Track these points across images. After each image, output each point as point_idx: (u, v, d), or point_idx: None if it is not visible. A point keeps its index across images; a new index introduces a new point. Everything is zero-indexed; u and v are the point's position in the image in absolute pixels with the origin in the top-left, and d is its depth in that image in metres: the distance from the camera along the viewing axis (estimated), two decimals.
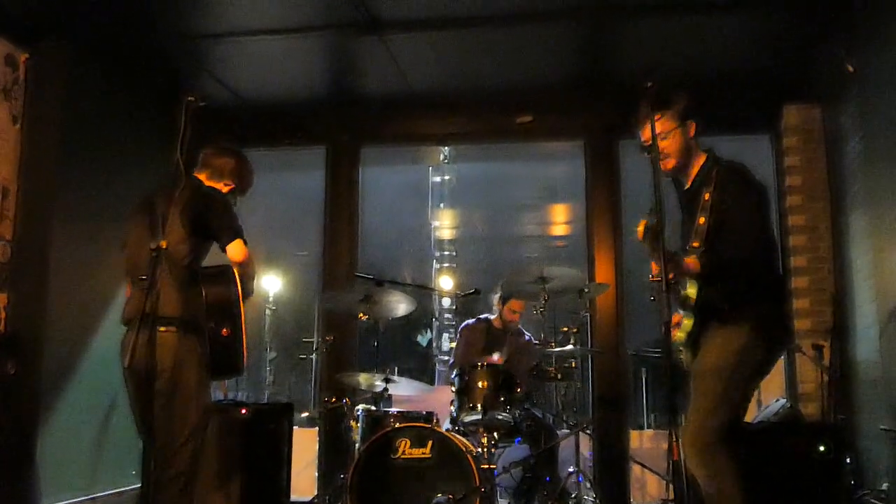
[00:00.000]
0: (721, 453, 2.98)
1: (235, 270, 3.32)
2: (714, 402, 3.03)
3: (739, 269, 3.07)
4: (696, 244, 3.11)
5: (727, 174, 3.13)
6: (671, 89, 3.28)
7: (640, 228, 2.95)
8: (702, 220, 3.12)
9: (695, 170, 3.28)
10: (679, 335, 3.19)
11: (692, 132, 3.26)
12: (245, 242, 3.30)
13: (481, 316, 5.86)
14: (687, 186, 3.32)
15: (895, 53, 4.24)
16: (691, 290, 3.12)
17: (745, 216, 3.05)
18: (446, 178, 8.83)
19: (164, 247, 2.63)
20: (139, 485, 3.45)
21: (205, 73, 5.78)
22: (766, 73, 5.70)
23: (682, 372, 3.20)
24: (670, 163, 3.27)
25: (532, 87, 6.03)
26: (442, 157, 8.16)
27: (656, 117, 3.20)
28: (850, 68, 4.74)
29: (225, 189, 3.54)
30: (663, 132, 3.23)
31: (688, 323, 3.18)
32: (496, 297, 5.71)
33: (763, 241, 3.14)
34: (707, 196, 3.11)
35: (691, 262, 3.07)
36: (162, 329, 3.00)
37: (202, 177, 3.54)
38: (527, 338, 5.72)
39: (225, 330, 3.19)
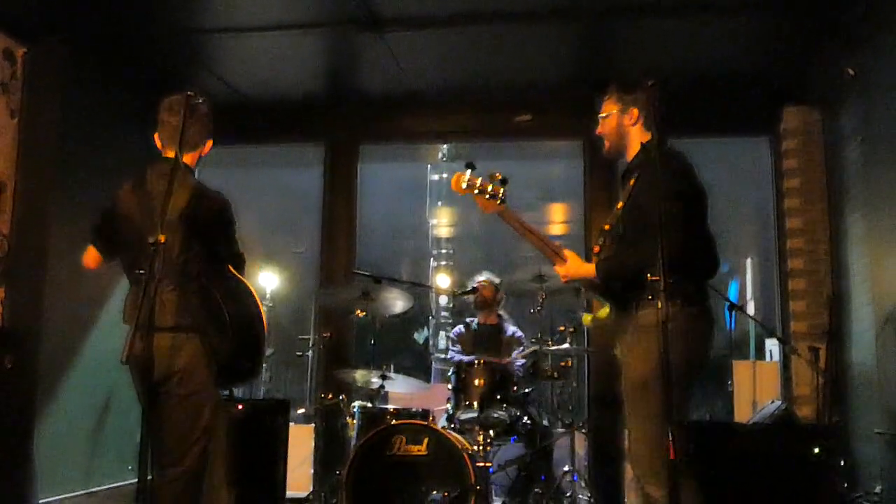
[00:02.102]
0: (680, 468, 2.81)
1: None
2: (649, 416, 2.85)
3: (638, 265, 2.82)
4: (607, 227, 3.13)
5: (655, 161, 2.88)
6: (640, 78, 3.12)
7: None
8: (620, 204, 3.13)
9: (632, 155, 3.21)
10: (586, 318, 3.18)
11: (633, 119, 3.16)
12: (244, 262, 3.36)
13: (466, 320, 5.92)
14: (624, 171, 3.27)
15: None
16: (586, 318, 3.11)
17: (653, 205, 2.65)
18: (444, 176, 8.83)
19: (162, 241, 2.61)
20: (136, 480, 3.44)
21: (203, 69, 5.77)
22: (765, 75, 5.71)
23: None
24: (605, 144, 3.26)
25: (531, 86, 6.04)
26: (440, 155, 8.14)
27: (605, 98, 3.23)
28: (851, 72, 4.74)
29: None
30: (604, 113, 3.23)
31: (601, 312, 3.19)
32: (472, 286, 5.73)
33: (680, 239, 2.73)
34: (632, 182, 3.11)
35: (589, 270, 3.08)
36: (167, 332, 3.00)
37: (189, 160, 3.37)
38: (510, 332, 5.72)
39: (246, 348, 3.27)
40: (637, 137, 3.19)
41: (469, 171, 3.23)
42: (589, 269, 3.11)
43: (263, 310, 3.40)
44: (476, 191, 3.20)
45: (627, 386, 3.00)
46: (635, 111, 3.17)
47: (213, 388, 3.22)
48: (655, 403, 2.77)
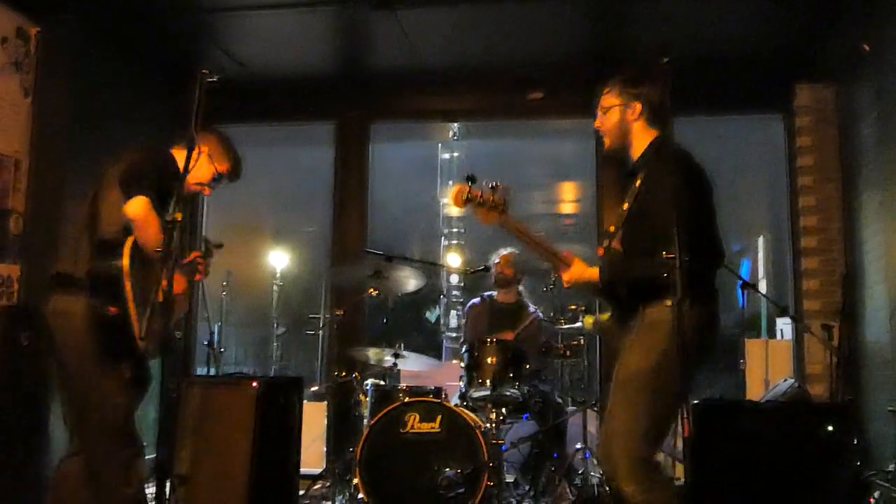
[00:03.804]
0: (656, 466, 2.84)
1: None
2: (642, 409, 2.81)
3: (646, 270, 2.79)
4: (611, 228, 3.06)
5: (663, 160, 2.85)
6: (642, 69, 3.09)
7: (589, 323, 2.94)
8: (625, 205, 3.04)
9: (638, 153, 3.12)
10: (588, 321, 3.16)
11: (635, 114, 3.07)
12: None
13: (485, 294, 5.86)
14: (630, 170, 3.17)
15: None
16: (588, 321, 3.09)
17: (665, 207, 2.58)
18: (455, 154, 8.82)
19: (179, 219, 2.62)
20: (154, 454, 3.47)
21: (214, 46, 5.76)
22: (778, 52, 5.66)
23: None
24: (607, 142, 3.17)
25: (543, 64, 6.01)
26: (451, 133, 8.13)
27: (604, 90, 3.16)
28: (865, 48, 4.70)
29: None
30: (605, 107, 3.14)
31: (603, 316, 3.14)
32: (493, 263, 5.68)
33: (691, 240, 2.58)
34: (638, 182, 3.01)
35: (593, 274, 3.03)
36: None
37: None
38: (531, 310, 5.71)
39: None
40: (641, 134, 3.09)
41: (469, 184, 3.13)
42: (593, 274, 3.05)
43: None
44: (476, 204, 3.12)
45: (618, 380, 2.94)
46: (638, 106, 3.06)
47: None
48: (643, 402, 2.79)
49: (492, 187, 3.12)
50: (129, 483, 3.13)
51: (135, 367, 3.17)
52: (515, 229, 3.18)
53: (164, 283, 2.65)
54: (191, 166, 2.85)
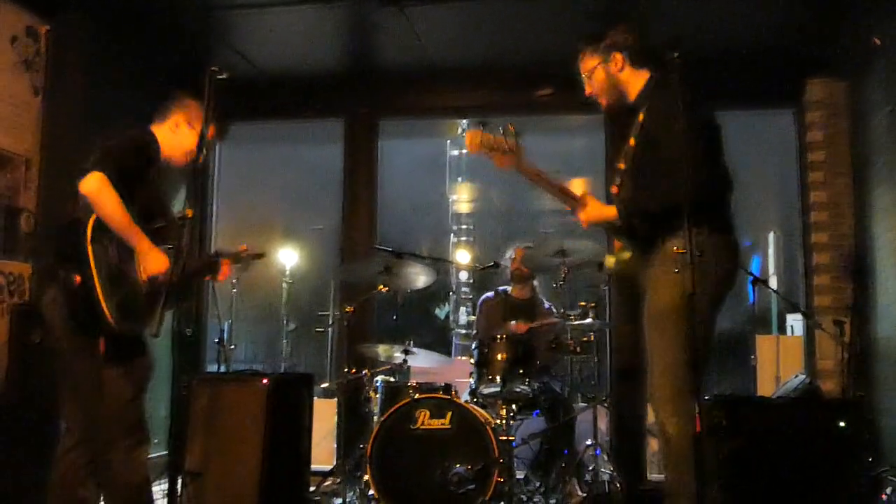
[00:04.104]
0: (691, 396, 2.79)
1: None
2: (677, 342, 2.82)
3: (663, 200, 2.83)
4: (621, 165, 3.07)
5: (666, 93, 2.86)
6: (603, 25, 3.16)
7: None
8: (632, 140, 3.05)
9: (635, 92, 3.13)
10: (609, 261, 3.17)
11: (619, 64, 3.11)
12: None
13: (499, 289, 5.86)
14: (630, 107, 3.18)
15: None
16: (609, 260, 3.10)
17: (675, 138, 2.65)
18: (464, 151, 8.80)
19: (189, 216, 2.63)
20: (165, 451, 3.49)
21: (223, 44, 5.76)
22: (789, 47, 5.62)
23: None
24: (602, 101, 3.19)
25: (553, 60, 5.96)
26: (460, 130, 8.10)
27: (580, 56, 3.16)
28: (877, 41, 4.67)
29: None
30: (587, 71, 3.16)
31: (624, 255, 3.14)
32: (508, 259, 5.68)
33: (704, 171, 2.76)
34: (641, 116, 3.02)
35: (610, 212, 3.01)
36: None
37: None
38: (546, 307, 5.71)
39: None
40: (632, 78, 3.12)
41: (482, 129, 3.16)
42: (610, 212, 3.06)
43: None
44: (490, 148, 3.13)
45: (651, 315, 2.96)
46: (619, 56, 3.11)
47: None
48: (678, 334, 2.78)
49: (504, 131, 3.12)
50: (131, 472, 3.13)
51: (112, 343, 3.12)
52: (530, 171, 3.19)
53: (160, 270, 2.72)
54: (175, 141, 2.92)
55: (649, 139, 2.95)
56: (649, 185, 2.94)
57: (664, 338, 2.90)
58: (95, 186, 3.00)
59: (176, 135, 3.41)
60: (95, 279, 2.96)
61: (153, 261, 3.13)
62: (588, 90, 3.20)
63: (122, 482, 3.12)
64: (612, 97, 3.17)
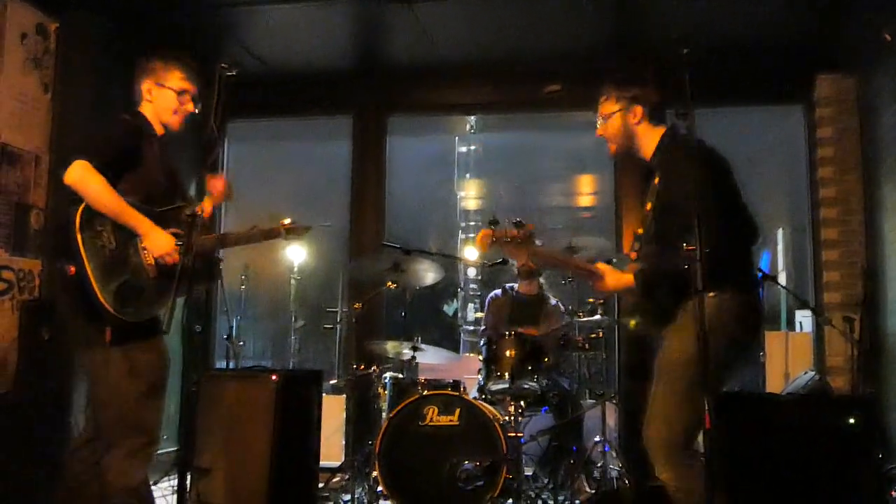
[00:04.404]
0: (693, 454, 2.81)
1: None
2: (683, 398, 2.80)
3: (677, 268, 2.71)
4: (640, 231, 3.05)
5: (673, 151, 2.89)
6: (634, 69, 3.16)
7: None
8: (648, 205, 3.04)
9: (649, 153, 3.11)
10: (632, 323, 3.15)
11: (637, 117, 3.07)
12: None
13: (506, 286, 5.88)
14: (646, 170, 3.17)
15: None
16: (633, 322, 3.07)
17: (683, 197, 2.61)
18: (472, 148, 8.79)
19: (198, 213, 2.64)
20: (175, 447, 3.50)
21: (231, 41, 5.78)
22: (799, 42, 5.61)
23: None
24: (612, 147, 3.17)
25: (561, 56, 5.98)
26: (468, 126, 8.09)
27: (601, 99, 3.15)
28: (888, 37, 4.65)
29: None
30: (604, 115, 3.13)
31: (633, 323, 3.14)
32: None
33: (718, 226, 2.64)
34: (656, 180, 3.01)
35: (627, 280, 3.00)
36: None
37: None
38: (553, 303, 5.72)
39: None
40: (647, 134, 3.09)
41: (493, 228, 3.11)
42: (627, 280, 3.04)
43: None
44: (502, 243, 3.11)
45: (662, 365, 2.94)
46: (639, 109, 3.07)
47: None
48: (686, 389, 2.76)
49: (514, 224, 3.11)
50: (128, 477, 3.09)
51: (117, 331, 3.07)
52: (545, 257, 3.25)
53: (165, 251, 2.81)
54: (156, 106, 3.18)
55: (664, 203, 2.95)
56: (666, 249, 2.93)
57: (669, 390, 2.89)
58: (78, 174, 2.99)
59: (154, 100, 3.37)
60: (87, 268, 2.94)
61: (156, 241, 3.10)
62: (599, 132, 3.19)
63: (120, 485, 3.06)
64: (622, 147, 3.16)
